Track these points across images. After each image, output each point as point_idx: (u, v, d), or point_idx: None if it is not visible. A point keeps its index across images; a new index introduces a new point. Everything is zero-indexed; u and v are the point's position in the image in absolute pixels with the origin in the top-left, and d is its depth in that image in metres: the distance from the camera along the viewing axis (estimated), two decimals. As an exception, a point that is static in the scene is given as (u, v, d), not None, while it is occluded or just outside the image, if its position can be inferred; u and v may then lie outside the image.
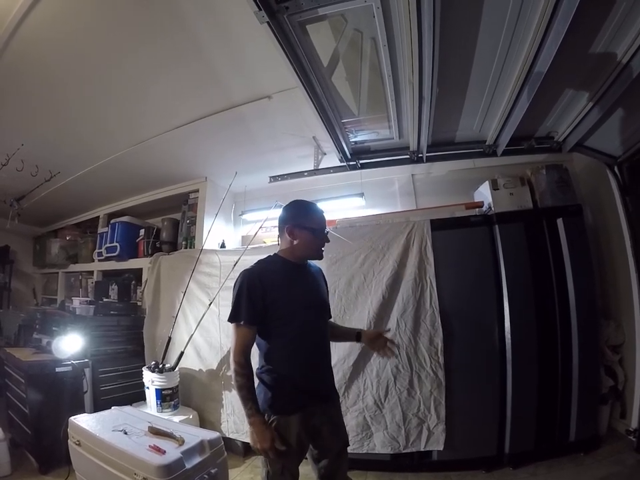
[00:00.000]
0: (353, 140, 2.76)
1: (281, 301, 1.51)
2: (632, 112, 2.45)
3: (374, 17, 1.68)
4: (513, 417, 2.63)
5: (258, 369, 1.57)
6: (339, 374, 2.67)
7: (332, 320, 1.84)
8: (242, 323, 1.48)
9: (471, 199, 3.12)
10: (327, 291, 1.79)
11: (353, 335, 1.82)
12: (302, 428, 1.51)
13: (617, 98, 2.26)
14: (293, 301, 1.54)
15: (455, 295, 2.63)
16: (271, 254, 1.67)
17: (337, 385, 1.91)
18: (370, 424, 2.68)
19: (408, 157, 2.84)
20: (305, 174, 3.12)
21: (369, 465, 2.70)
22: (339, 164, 2.92)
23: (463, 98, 2.38)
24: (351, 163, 2.87)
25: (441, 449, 2.58)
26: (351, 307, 2.80)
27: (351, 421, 2.65)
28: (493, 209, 2.82)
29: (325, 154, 3.02)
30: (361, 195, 3.43)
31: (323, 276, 1.81)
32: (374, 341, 1.77)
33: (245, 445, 2.99)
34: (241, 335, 1.49)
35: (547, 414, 2.69)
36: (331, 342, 1.73)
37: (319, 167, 3.09)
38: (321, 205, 3.40)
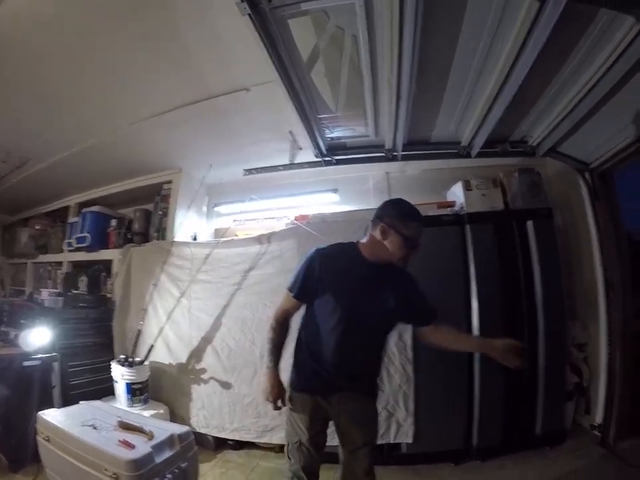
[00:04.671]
0: (329, 136, 2.78)
1: (332, 290, 1.57)
2: (604, 121, 2.55)
3: (356, 14, 1.70)
4: (480, 411, 2.73)
5: (296, 343, 1.71)
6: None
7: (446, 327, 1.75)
8: (292, 293, 1.65)
9: (444, 199, 3.18)
10: (408, 296, 1.66)
11: (477, 346, 1.89)
12: (314, 407, 1.64)
13: (590, 108, 2.36)
14: (345, 295, 1.57)
15: (425, 291, 2.70)
16: (352, 241, 1.69)
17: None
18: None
19: (383, 154, 2.88)
20: (280, 168, 3.13)
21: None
22: (315, 159, 2.94)
23: (440, 99, 2.42)
24: (326, 159, 2.90)
25: (410, 441, 2.68)
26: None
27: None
28: (465, 209, 2.89)
29: (301, 149, 3.02)
30: (335, 190, 3.47)
31: (408, 280, 1.70)
32: (506, 354, 1.56)
33: (217, 439, 3.02)
34: (287, 301, 1.69)
35: (514, 409, 2.79)
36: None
37: (294, 162, 3.11)
38: (295, 200, 3.56)
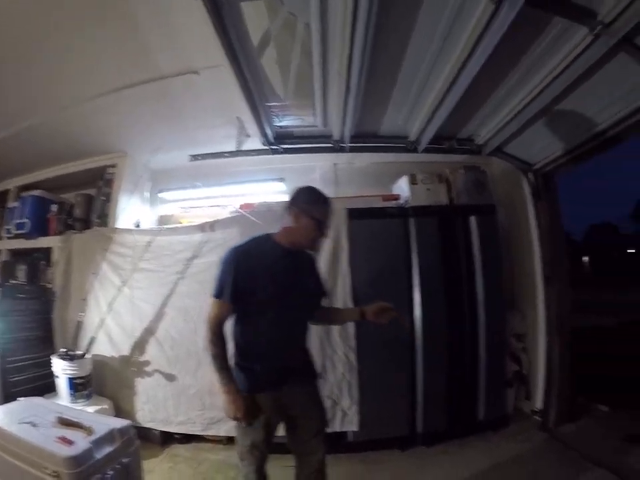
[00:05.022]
0: (278, 124, 2.75)
1: (261, 286, 1.55)
2: (548, 126, 2.67)
3: (310, 2, 1.69)
4: (424, 398, 2.81)
5: (234, 346, 1.65)
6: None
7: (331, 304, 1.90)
8: (221, 299, 1.55)
9: (390, 192, 3.22)
10: (318, 279, 1.80)
11: (357, 315, 1.81)
12: (269, 408, 1.60)
13: (535, 113, 2.46)
14: (273, 287, 1.56)
15: (368, 282, 2.72)
16: (264, 233, 1.69)
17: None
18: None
19: (331, 145, 2.90)
20: (227, 155, 3.06)
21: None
22: (262, 147, 2.91)
23: (390, 93, 2.45)
24: (274, 147, 2.88)
25: (356, 429, 2.71)
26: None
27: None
28: (409, 202, 2.93)
29: (249, 136, 2.95)
30: (282, 180, 3.43)
31: (314, 264, 1.83)
32: (379, 315, 1.71)
33: (163, 433, 2.94)
34: (219, 308, 1.57)
35: (457, 395, 2.90)
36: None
37: (242, 149, 3.05)
38: (241, 188, 3.49)
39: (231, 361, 1.61)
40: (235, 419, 1.54)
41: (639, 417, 3.26)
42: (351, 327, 2.71)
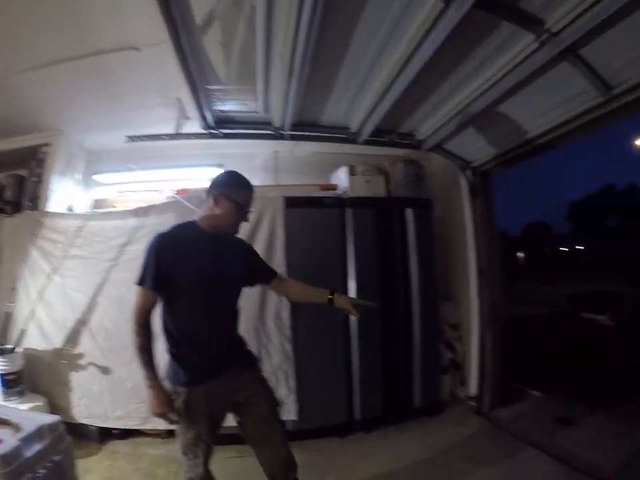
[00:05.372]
0: (218, 108, 2.70)
1: (189, 272, 1.52)
2: (485, 127, 2.80)
3: None
4: (361, 385, 2.88)
5: (165, 339, 1.59)
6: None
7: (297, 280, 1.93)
8: (146, 287, 1.51)
9: (330, 182, 3.25)
10: (249, 261, 1.78)
11: (324, 298, 1.79)
12: (211, 398, 1.56)
13: (475, 114, 2.54)
14: (201, 272, 1.55)
15: (303, 271, 2.71)
16: (189, 220, 1.67)
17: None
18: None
19: (272, 132, 2.88)
20: (165, 137, 2.97)
21: (228, 440, 2.69)
22: (201, 131, 2.84)
23: (333, 82, 2.44)
24: (213, 132, 2.82)
25: (295, 418, 2.71)
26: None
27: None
28: (348, 193, 2.97)
29: (189, 119, 2.87)
30: (221, 166, 3.35)
31: (246, 246, 1.83)
32: (351, 306, 1.74)
33: (101, 429, 2.84)
34: (144, 297, 1.52)
35: (393, 382, 3.00)
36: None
37: (181, 132, 2.97)
38: (179, 173, 3.40)
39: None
40: (159, 415, 1.49)
41: (568, 401, 3.51)
42: (285, 315, 2.74)
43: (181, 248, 1.55)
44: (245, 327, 2.57)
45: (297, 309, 2.74)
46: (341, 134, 3.00)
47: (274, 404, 1.77)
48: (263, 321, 2.73)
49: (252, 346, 2.61)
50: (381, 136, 3.01)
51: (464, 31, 1.77)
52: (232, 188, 1.62)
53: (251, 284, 1.85)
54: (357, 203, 2.92)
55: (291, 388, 2.74)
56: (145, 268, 1.52)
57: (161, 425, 2.62)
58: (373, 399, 2.92)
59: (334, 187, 3.07)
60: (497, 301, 3.39)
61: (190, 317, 1.56)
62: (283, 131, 2.86)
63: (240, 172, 1.70)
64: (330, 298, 1.76)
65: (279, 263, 2.71)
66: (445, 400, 3.40)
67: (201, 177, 3.45)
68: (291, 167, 3.40)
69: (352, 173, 3.00)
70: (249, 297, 2.66)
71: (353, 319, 2.79)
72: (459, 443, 2.79)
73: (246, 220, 1.67)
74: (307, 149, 3.35)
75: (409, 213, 3.02)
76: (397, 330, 3.01)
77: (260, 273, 1.84)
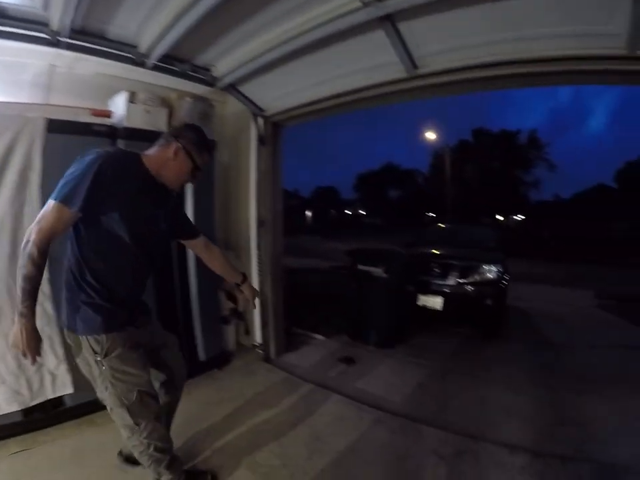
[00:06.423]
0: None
1: (123, 210, 1.41)
2: (287, 75, 2.79)
3: None
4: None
5: (81, 278, 1.44)
6: None
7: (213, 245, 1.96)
8: (68, 205, 1.32)
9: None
10: (176, 214, 1.77)
11: (237, 278, 1.95)
12: (135, 341, 1.53)
13: (275, 61, 2.51)
14: (133, 213, 1.45)
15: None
16: (132, 151, 1.58)
17: None
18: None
19: (48, 37, 2.34)
20: None
21: (3, 431, 2.24)
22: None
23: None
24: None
25: (72, 391, 2.34)
26: None
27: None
28: (123, 122, 2.64)
29: None
30: None
31: (176, 200, 1.78)
32: (249, 298, 1.99)
33: None
34: (60, 219, 1.33)
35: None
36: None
37: None
38: None
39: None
40: (28, 348, 1.31)
41: (347, 343, 4.19)
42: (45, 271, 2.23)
43: (123, 178, 1.42)
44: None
45: (55, 262, 2.25)
46: (128, 52, 2.64)
47: (174, 339, 1.89)
48: (15, 278, 2.13)
49: (5, 308, 2.17)
50: (173, 65, 2.80)
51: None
52: (196, 147, 1.59)
53: (170, 239, 1.85)
54: (131, 134, 2.60)
55: (59, 356, 2.31)
56: (76, 185, 1.33)
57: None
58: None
59: (109, 114, 2.69)
60: (277, 252, 3.69)
61: (111, 256, 1.46)
62: (61, 37, 2.34)
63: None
64: (238, 283, 1.96)
65: (33, 203, 2.21)
66: (230, 351, 3.55)
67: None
68: (69, 88, 2.76)
69: (131, 99, 2.67)
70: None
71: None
72: (250, 392, 2.93)
73: (193, 182, 1.70)
74: (90, 68, 2.79)
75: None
76: (172, 280, 2.93)
77: (181, 229, 1.84)
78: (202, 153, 1.62)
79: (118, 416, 1.56)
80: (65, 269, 1.51)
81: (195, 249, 1.96)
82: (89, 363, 1.50)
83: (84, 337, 1.45)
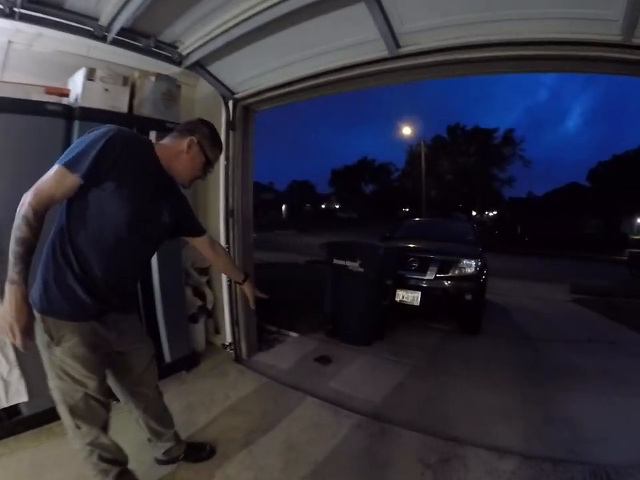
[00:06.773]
0: None
1: (123, 188, 1.35)
2: (258, 54, 2.60)
3: None
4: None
5: (61, 250, 1.35)
6: None
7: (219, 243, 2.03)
8: (72, 169, 1.27)
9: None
10: (180, 210, 1.71)
11: (239, 277, 1.99)
12: (94, 337, 1.42)
13: (249, 33, 2.29)
14: (137, 198, 1.40)
15: (14, 199, 2.05)
16: (146, 137, 1.67)
17: None
18: None
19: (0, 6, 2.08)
20: None
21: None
22: None
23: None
24: None
25: (26, 399, 2.20)
26: None
27: None
28: (79, 101, 2.43)
29: None
30: None
31: (181, 195, 1.74)
32: (250, 298, 2.00)
33: None
34: (62, 183, 1.27)
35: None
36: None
37: None
38: None
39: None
40: (16, 322, 1.19)
41: (323, 340, 4.01)
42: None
43: (134, 157, 1.39)
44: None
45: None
46: (87, 25, 2.37)
47: (154, 353, 1.78)
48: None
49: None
50: (137, 40, 2.54)
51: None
52: (209, 142, 1.61)
53: (173, 235, 1.75)
54: (88, 114, 2.39)
55: (11, 361, 2.14)
56: (83, 151, 1.30)
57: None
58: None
59: (66, 93, 2.47)
60: (247, 244, 3.49)
61: (98, 235, 1.37)
62: (15, 6, 2.07)
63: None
64: (240, 282, 1.99)
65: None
66: (199, 351, 3.35)
67: None
68: (27, 67, 2.57)
69: (89, 77, 2.43)
70: None
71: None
72: (220, 396, 2.74)
73: (203, 178, 1.68)
74: (49, 45, 2.58)
75: (152, 136, 2.66)
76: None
77: (187, 225, 1.81)
78: (214, 148, 1.65)
79: (61, 412, 1.49)
80: (45, 244, 1.40)
81: (199, 247, 1.93)
82: (41, 343, 1.40)
83: (43, 315, 1.36)
